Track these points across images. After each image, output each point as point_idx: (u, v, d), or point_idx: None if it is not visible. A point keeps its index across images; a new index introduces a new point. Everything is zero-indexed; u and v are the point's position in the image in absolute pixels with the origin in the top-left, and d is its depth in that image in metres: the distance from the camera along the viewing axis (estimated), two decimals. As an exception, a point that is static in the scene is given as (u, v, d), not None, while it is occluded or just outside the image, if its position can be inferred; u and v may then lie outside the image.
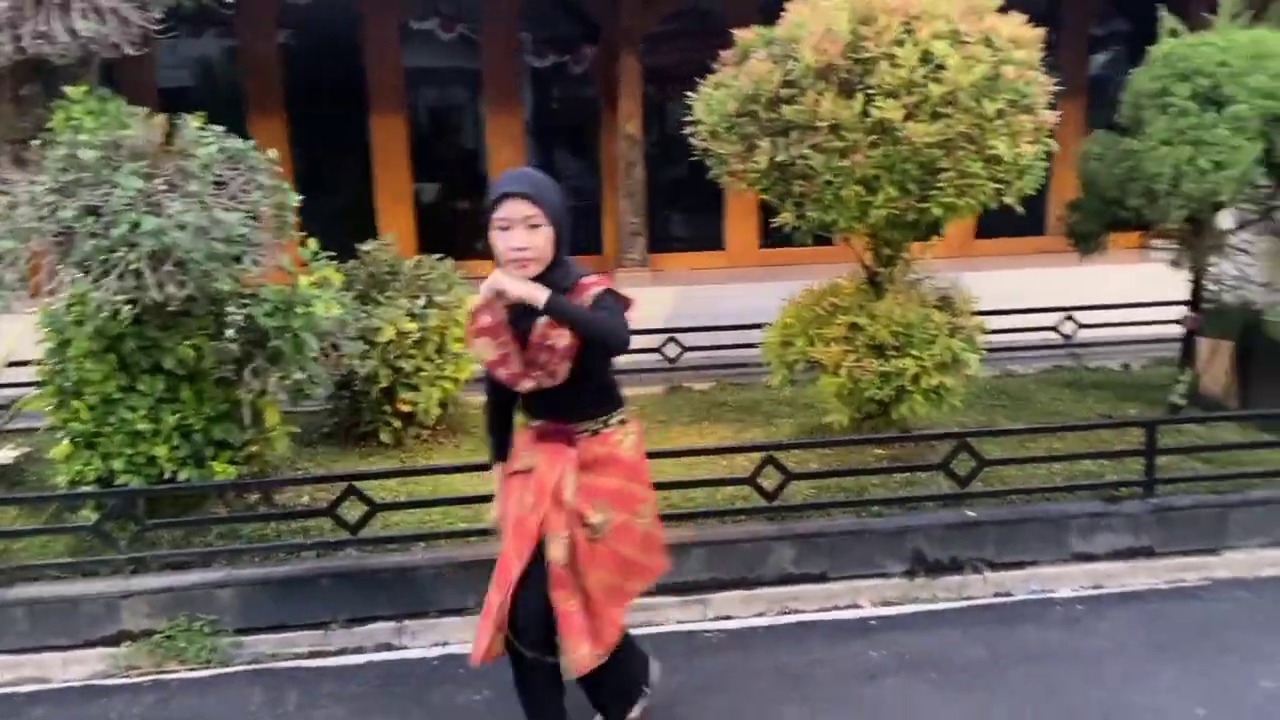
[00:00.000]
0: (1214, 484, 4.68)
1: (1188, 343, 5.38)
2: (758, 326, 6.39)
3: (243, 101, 7.73)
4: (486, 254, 2.84)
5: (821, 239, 4.78)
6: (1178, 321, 7.43)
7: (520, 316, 2.80)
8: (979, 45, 4.38)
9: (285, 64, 7.79)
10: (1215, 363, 5.76)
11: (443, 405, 5.56)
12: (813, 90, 4.39)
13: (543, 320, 2.74)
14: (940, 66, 4.29)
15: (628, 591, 3.02)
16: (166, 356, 4.21)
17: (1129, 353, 7.28)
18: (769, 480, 4.43)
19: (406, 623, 4.14)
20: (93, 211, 3.74)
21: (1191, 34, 5.02)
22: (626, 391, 3.09)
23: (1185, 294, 5.36)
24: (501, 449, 3.10)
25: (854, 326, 4.79)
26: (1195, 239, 5.12)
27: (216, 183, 3.93)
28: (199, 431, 4.32)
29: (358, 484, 4.23)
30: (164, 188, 3.79)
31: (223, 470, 4.37)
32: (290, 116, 7.84)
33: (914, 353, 4.69)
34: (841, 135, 4.34)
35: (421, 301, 5.32)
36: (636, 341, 2.95)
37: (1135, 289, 7.33)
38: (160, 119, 4.19)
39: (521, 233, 2.70)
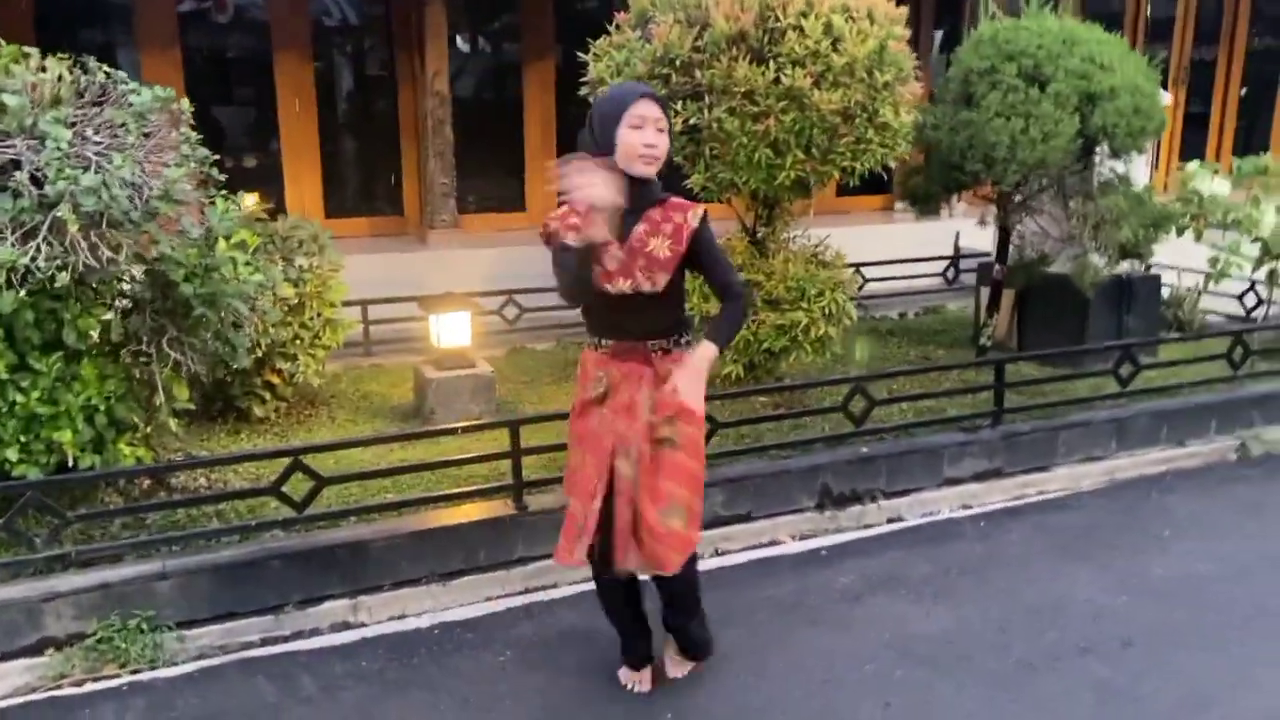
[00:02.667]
0: (1034, 412, 5.44)
1: (995, 292, 6.13)
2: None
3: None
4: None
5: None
6: (942, 275, 8.49)
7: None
8: (864, 20, 4.77)
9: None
10: (1001, 310, 6.61)
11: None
12: (725, 56, 4.60)
13: (641, 227, 2.91)
14: (837, 39, 4.64)
15: (693, 509, 3.04)
16: (67, 330, 3.75)
17: (899, 303, 8.16)
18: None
19: (361, 599, 3.98)
20: (15, 165, 3.26)
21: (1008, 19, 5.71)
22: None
23: (994, 248, 6.09)
24: None
25: (750, 283, 5.08)
26: (1005, 199, 5.85)
27: (144, 134, 3.56)
28: (102, 413, 3.89)
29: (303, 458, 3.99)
30: (97, 139, 3.38)
31: (130, 454, 3.97)
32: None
33: (805, 306, 5.06)
34: (755, 101, 4.59)
35: (296, 264, 5.02)
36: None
37: (884, 247, 8.21)
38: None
39: (652, 132, 2.89)
